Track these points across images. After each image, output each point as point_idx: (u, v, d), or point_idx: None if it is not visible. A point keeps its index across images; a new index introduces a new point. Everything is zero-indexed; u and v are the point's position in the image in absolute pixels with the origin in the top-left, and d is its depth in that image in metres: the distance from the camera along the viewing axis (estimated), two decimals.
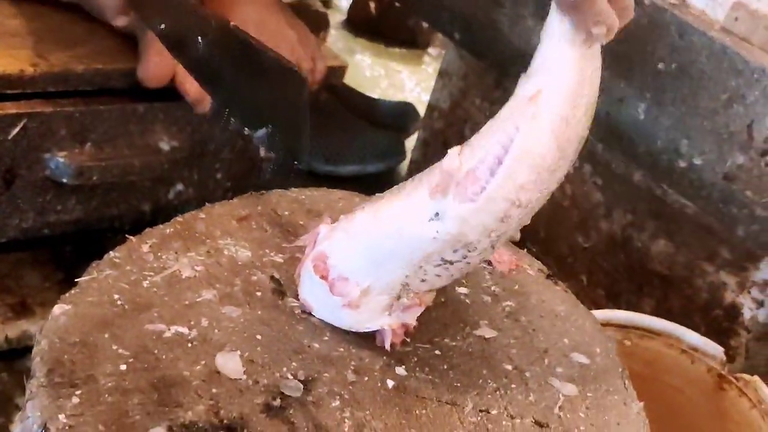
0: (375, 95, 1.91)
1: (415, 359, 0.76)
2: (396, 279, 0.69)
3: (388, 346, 0.73)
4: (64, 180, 1.10)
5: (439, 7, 1.45)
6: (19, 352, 1.25)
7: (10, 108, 1.05)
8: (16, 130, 1.05)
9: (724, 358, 1.20)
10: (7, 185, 1.08)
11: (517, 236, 0.73)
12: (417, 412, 0.72)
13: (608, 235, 1.39)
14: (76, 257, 1.35)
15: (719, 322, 1.29)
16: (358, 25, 2.28)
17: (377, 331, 0.74)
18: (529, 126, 0.66)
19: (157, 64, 1.07)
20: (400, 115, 1.82)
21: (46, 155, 1.09)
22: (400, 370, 0.75)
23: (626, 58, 1.22)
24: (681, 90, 1.18)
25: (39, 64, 1.07)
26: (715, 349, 1.20)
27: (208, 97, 1.11)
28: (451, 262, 0.69)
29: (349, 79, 1.75)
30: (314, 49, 1.24)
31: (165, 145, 1.17)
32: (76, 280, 0.75)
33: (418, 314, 0.75)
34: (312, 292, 0.74)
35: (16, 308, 1.27)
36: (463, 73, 1.61)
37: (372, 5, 2.33)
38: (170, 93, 1.15)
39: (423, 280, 0.71)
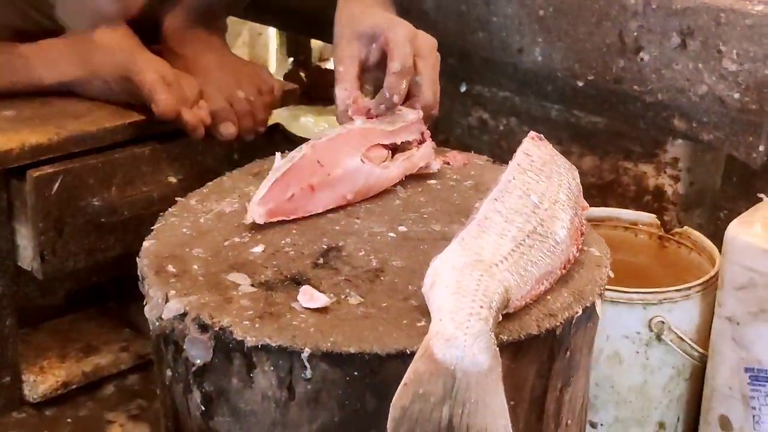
0: None
1: (410, 221, 1.03)
2: None
3: None
4: (102, 219, 1.35)
5: None
6: (96, 384, 1.48)
7: (48, 169, 1.31)
8: (57, 185, 1.31)
9: (658, 222, 1.47)
10: (59, 233, 1.33)
11: None
12: (421, 248, 0.97)
13: None
14: (120, 309, 1.60)
15: (651, 205, 1.56)
16: None
17: None
18: None
19: (167, 99, 1.33)
20: None
21: (83, 202, 1.34)
22: (402, 228, 1.01)
23: (515, 16, 1.52)
24: (561, 26, 1.48)
25: (60, 133, 1.33)
26: (649, 217, 1.48)
27: (203, 125, 1.39)
28: None
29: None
30: (269, 77, 1.52)
31: (173, 178, 1.43)
32: (150, 228, 1.00)
33: None
34: None
35: (85, 350, 1.51)
36: None
37: (302, 74, 2.63)
38: (169, 135, 1.42)
39: None
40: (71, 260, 1.37)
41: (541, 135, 1.03)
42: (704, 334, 1.33)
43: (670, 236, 1.46)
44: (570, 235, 0.93)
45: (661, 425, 1.34)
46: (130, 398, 1.47)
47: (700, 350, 1.29)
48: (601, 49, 1.45)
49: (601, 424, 1.34)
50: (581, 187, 1.02)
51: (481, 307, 0.81)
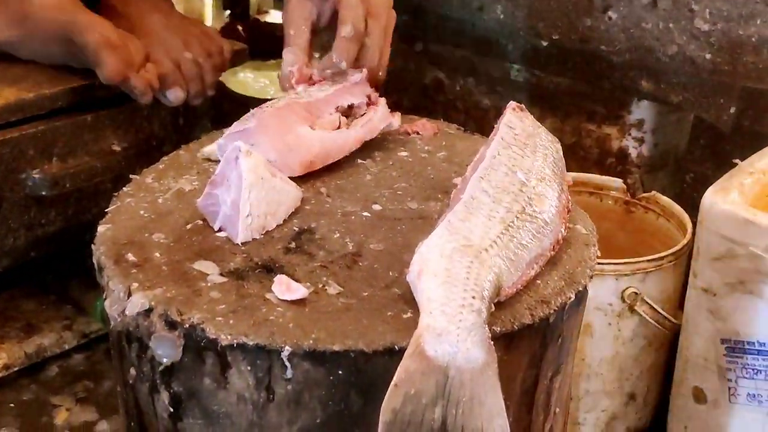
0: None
1: (384, 199, 0.96)
2: None
3: None
4: (43, 193, 1.26)
5: None
6: (39, 365, 1.40)
7: None
8: None
9: (625, 187, 1.43)
10: None
11: None
12: (398, 228, 0.91)
13: None
14: (60, 284, 1.51)
15: (614, 168, 1.53)
16: None
17: None
18: None
19: (114, 63, 1.24)
20: None
21: (23, 175, 1.25)
22: (376, 206, 0.95)
23: None
24: None
25: None
26: (615, 182, 1.44)
27: (151, 90, 1.30)
28: None
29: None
30: (218, 38, 1.43)
31: (117, 147, 1.34)
32: (105, 210, 0.92)
33: None
34: None
35: (25, 329, 1.42)
36: None
37: (240, 28, 2.52)
38: (112, 101, 1.33)
39: None
40: (10, 237, 1.28)
41: (522, 105, 0.97)
42: (675, 304, 1.30)
43: (637, 201, 1.42)
44: (558, 214, 0.88)
45: (632, 396, 1.31)
46: (75, 379, 1.39)
47: (674, 321, 1.26)
48: (566, 7, 1.40)
49: (571, 398, 1.30)
50: (564, 160, 0.97)
51: (473, 297, 0.75)
